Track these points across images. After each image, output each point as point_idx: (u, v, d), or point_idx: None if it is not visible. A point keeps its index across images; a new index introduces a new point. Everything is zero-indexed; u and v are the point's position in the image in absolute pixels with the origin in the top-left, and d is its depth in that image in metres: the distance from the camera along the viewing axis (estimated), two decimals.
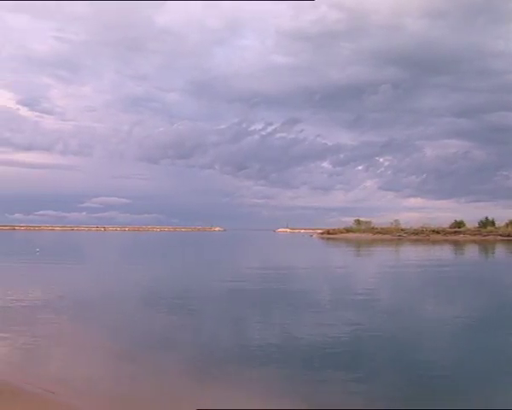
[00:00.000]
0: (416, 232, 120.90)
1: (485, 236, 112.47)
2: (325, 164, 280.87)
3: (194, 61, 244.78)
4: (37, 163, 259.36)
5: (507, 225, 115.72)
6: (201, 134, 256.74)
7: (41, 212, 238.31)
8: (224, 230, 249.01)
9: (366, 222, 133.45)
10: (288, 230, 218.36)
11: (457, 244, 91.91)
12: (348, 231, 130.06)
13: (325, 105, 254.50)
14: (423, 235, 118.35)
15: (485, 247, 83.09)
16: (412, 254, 67.32)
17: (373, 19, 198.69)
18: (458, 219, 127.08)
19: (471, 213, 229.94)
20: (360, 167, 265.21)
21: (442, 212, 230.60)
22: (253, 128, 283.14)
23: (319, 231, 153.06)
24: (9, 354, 14.02)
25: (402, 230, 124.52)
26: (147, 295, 25.89)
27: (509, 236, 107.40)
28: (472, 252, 72.78)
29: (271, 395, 11.27)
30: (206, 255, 63.48)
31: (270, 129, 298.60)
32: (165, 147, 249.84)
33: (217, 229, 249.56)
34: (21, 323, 17.98)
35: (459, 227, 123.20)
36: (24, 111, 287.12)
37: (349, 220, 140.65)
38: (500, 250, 75.36)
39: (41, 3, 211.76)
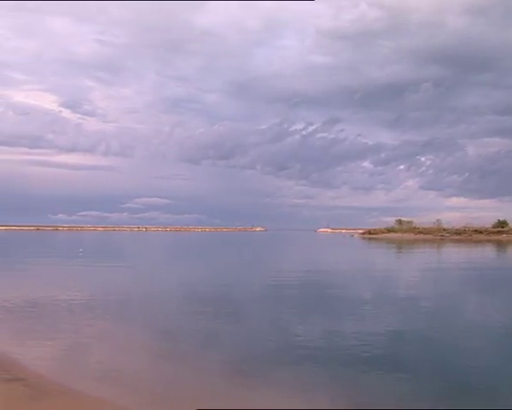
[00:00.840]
0: (458, 232, 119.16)
1: None
2: (366, 164, 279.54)
3: (234, 61, 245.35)
4: (79, 164, 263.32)
5: None
6: (242, 134, 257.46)
7: (83, 212, 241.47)
8: (265, 230, 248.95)
9: (408, 222, 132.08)
10: (329, 230, 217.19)
11: (500, 244, 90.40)
12: (389, 231, 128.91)
13: (365, 104, 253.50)
14: (465, 235, 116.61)
15: None
16: (454, 254, 66.43)
17: (413, 16, 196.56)
18: (501, 219, 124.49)
19: None
20: (401, 167, 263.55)
21: (485, 211, 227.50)
22: (293, 128, 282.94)
23: (360, 231, 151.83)
24: (56, 354, 14.22)
25: (444, 230, 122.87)
26: (189, 295, 26.05)
27: None
28: None
29: (313, 395, 11.18)
30: (247, 255, 63.55)
31: (310, 129, 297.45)
32: (206, 147, 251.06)
33: (258, 229, 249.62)
34: (66, 322, 18.26)
35: (502, 227, 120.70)
36: (67, 113, 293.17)
37: (390, 220, 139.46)
38: None
39: (82, 7, 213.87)
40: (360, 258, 59.05)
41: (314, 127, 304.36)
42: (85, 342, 15.48)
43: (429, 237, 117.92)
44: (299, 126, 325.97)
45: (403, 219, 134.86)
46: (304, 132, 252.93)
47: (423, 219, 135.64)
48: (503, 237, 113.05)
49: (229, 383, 12.05)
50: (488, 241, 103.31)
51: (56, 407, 9.12)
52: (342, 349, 14.87)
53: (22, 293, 24.57)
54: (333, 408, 10.44)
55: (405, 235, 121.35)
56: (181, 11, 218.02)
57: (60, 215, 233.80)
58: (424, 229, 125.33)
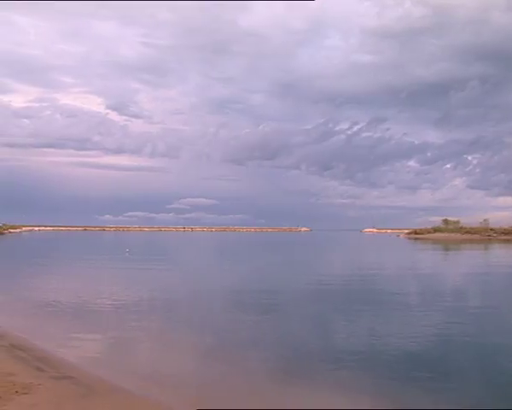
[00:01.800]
0: (506, 232, 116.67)
1: None
2: (412, 163, 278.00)
3: (279, 62, 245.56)
4: (125, 166, 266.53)
5: None
6: (287, 135, 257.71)
7: (130, 213, 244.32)
8: (311, 230, 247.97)
9: (454, 222, 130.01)
10: (375, 230, 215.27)
11: None
12: (436, 230, 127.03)
13: (411, 103, 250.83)
14: None
15: None
16: (503, 255, 65.25)
17: (458, 14, 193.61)
18: None
19: None
20: (448, 166, 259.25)
21: None
22: (338, 128, 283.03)
23: (406, 231, 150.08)
24: (104, 352, 14.51)
25: (491, 229, 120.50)
26: (234, 294, 26.18)
27: None
28: None
29: (357, 395, 11.19)
30: (292, 256, 63.35)
31: (355, 128, 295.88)
32: (251, 148, 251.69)
33: (303, 229, 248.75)
34: (113, 321, 18.62)
35: None
36: (113, 115, 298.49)
37: (437, 220, 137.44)
38: None
39: (128, 10, 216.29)
40: (406, 259, 58.37)
41: (359, 126, 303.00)
42: (132, 341, 15.73)
43: (476, 237, 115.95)
44: (344, 126, 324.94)
45: (449, 218, 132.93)
46: (349, 132, 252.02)
47: (470, 219, 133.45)
48: None
49: (275, 382, 12.11)
50: None
51: (105, 405, 9.34)
52: (387, 351, 14.72)
53: (71, 292, 25.08)
54: (375, 408, 10.52)
55: (452, 235, 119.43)
56: (225, 12, 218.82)
57: (106, 216, 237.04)
58: (471, 229, 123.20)
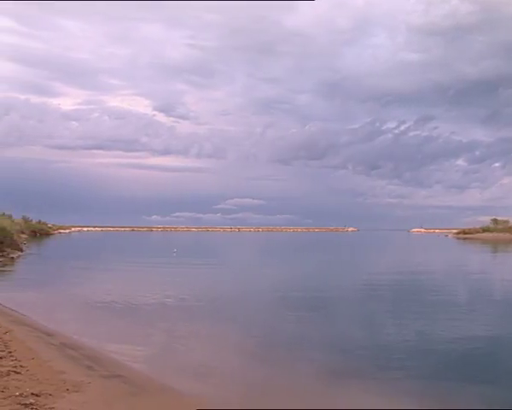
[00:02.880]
0: None
1: None
2: (460, 162, 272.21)
3: (325, 61, 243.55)
4: (173, 166, 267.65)
5: None
6: (333, 134, 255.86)
7: (177, 213, 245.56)
8: (358, 230, 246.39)
9: (504, 221, 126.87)
10: (423, 230, 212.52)
11: None
12: (485, 230, 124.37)
13: (459, 101, 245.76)
14: None
15: None
16: None
17: (506, 10, 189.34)
18: None
19: None
20: (497, 164, 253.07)
21: None
22: (385, 127, 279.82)
23: (454, 230, 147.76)
24: (152, 351, 14.60)
25: None
26: (281, 294, 26.08)
27: None
28: None
29: (406, 395, 11.06)
30: (340, 255, 63.08)
31: (403, 127, 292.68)
32: (298, 148, 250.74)
33: (350, 229, 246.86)
34: (161, 321, 18.71)
35: None
36: (160, 117, 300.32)
37: (486, 220, 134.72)
38: None
39: (174, 13, 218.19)
40: (455, 259, 57.57)
41: (407, 125, 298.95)
42: (180, 341, 15.80)
43: None
44: (391, 125, 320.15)
45: (499, 218, 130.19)
46: (396, 131, 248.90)
47: None
48: None
49: (322, 382, 12.03)
50: None
51: (154, 404, 9.38)
52: (436, 351, 14.53)
53: (119, 291, 25.38)
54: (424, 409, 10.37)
55: (501, 235, 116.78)
56: (270, 13, 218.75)
57: (154, 216, 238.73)
58: None
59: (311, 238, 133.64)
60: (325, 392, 11.39)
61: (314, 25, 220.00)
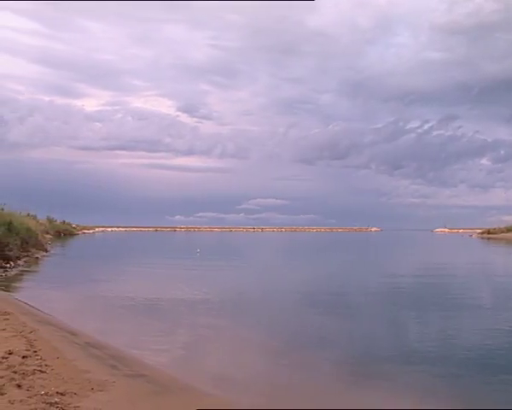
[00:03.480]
0: None
1: None
2: (484, 161, 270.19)
3: (348, 61, 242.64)
4: (196, 167, 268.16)
5: None
6: (356, 134, 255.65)
7: (200, 213, 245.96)
8: (381, 230, 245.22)
9: None
10: (447, 230, 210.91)
11: None
12: (509, 230, 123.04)
13: (483, 100, 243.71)
14: None
15: None
16: None
17: None
18: None
19: None
20: None
21: None
22: (409, 126, 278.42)
23: (478, 230, 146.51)
24: (175, 351, 14.64)
25: None
26: (303, 294, 26.05)
27: None
28: None
29: (428, 396, 11.00)
30: (363, 255, 62.82)
31: (426, 126, 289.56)
32: (321, 148, 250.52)
33: (373, 229, 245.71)
34: (185, 321, 18.86)
35: None
36: (183, 117, 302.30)
37: (510, 219, 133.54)
38: None
39: (196, 13, 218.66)
40: (480, 259, 57.03)
41: (430, 125, 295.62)
42: (203, 340, 15.88)
43: None
44: (414, 124, 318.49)
45: None
46: (420, 130, 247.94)
47: None
48: None
49: (345, 383, 12.00)
50: None
51: (177, 404, 9.41)
52: (460, 352, 14.38)
53: (143, 291, 25.49)
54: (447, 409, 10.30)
55: None
56: (293, 13, 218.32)
57: (177, 217, 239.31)
58: None
59: (335, 238, 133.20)
60: (349, 393, 11.34)
61: (336, 24, 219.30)
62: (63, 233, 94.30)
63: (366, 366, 13.27)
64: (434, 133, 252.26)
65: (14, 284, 26.05)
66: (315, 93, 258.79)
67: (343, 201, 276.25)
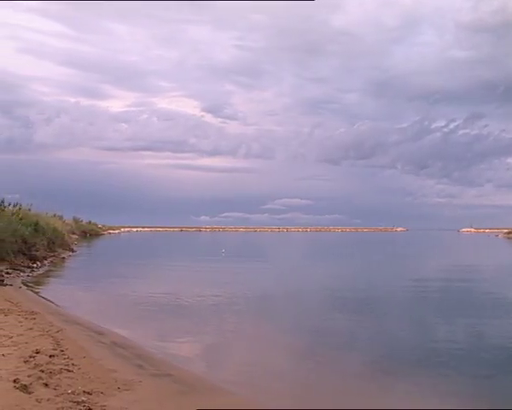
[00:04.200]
0: None
1: None
2: (510, 160, 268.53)
3: (373, 60, 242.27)
4: (221, 167, 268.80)
5: None
6: (382, 134, 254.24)
7: (225, 214, 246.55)
8: (407, 230, 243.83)
9: None
10: (473, 229, 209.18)
11: None
12: None
13: (509, 98, 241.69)
14: None
15: None
16: None
17: None
18: None
19: None
20: None
21: None
22: (434, 126, 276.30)
23: (505, 230, 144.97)
24: (200, 351, 14.70)
25: None
26: (328, 293, 25.93)
27: None
28: None
29: (455, 395, 10.90)
30: (388, 256, 62.42)
31: (452, 126, 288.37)
32: (346, 148, 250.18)
33: (399, 229, 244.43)
34: (210, 320, 18.78)
35: None
36: (209, 118, 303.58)
37: None
38: None
39: (222, 15, 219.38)
40: (507, 259, 56.55)
41: (456, 124, 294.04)
42: (229, 340, 15.88)
43: None
44: (440, 123, 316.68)
45: None
46: (445, 129, 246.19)
47: None
48: None
49: (371, 383, 11.89)
50: None
51: (204, 403, 9.37)
52: (488, 354, 14.15)
53: (168, 291, 25.55)
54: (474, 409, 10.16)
55: None
56: (317, 12, 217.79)
57: (202, 217, 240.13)
58: None
59: (360, 238, 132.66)
60: (374, 393, 11.23)
61: (361, 23, 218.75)
62: (89, 233, 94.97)
63: (391, 366, 13.14)
64: (460, 132, 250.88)
65: (40, 284, 26.24)
66: (340, 93, 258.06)
67: (368, 201, 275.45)
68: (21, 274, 28.20)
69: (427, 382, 11.82)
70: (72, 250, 50.62)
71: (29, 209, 43.58)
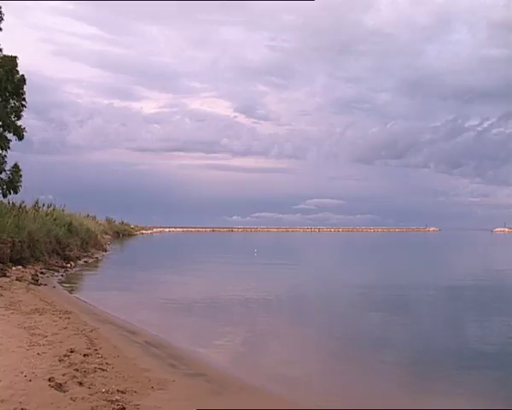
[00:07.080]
0: None
1: None
2: None
3: (405, 59, 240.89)
4: (253, 167, 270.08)
5: None
6: (415, 133, 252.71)
7: (257, 214, 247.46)
8: (439, 230, 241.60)
9: None
10: (507, 229, 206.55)
11: None
12: None
13: None
14: None
15: None
16: None
17: None
18: None
19: None
20: None
21: None
22: (468, 124, 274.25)
23: None
24: (233, 350, 14.64)
25: None
26: (362, 293, 25.76)
27: None
28: None
29: (488, 397, 10.73)
30: (421, 256, 61.90)
31: (486, 124, 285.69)
32: (379, 147, 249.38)
33: (431, 229, 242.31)
34: (243, 320, 18.85)
35: None
36: (241, 118, 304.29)
37: None
38: None
39: (255, 16, 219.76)
40: None
41: (490, 122, 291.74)
42: (262, 340, 15.83)
43: None
44: (473, 122, 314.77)
45: None
46: (479, 128, 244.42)
47: None
48: None
49: (404, 385, 11.77)
50: None
51: (237, 403, 9.34)
52: None
53: (201, 291, 25.64)
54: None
55: None
56: (349, 12, 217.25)
57: (234, 217, 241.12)
58: None
59: (392, 238, 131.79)
60: (406, 393, 11.11)
61: (394, 22, 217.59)
62: (122, 234, 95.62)
63: (425, 367, 12.98)
64: (494, 131, 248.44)
65: (74, 284, 26.48)
66: (372, 92, 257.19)
67: (401, 200, 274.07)
68: (55, 274, 28.49)
69: (461, 383, 11.69)
70: (106, 250, 51.10)
71: (63, 210, 44.05)
